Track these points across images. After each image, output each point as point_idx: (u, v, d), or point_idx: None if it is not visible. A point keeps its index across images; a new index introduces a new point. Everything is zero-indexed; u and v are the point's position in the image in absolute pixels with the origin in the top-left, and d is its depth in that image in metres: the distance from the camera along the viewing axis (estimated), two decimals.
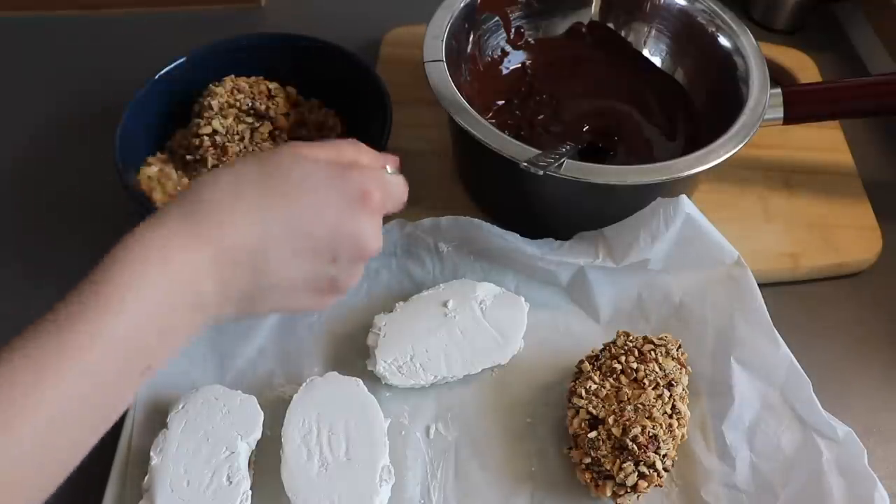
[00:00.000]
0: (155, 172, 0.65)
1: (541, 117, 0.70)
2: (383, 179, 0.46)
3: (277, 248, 0.42)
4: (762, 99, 0.60)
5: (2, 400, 0.34)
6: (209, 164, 0.64)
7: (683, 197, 0.57)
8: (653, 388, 0.51)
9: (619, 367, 0.53)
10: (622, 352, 0.54)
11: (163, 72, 0.67)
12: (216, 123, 0.64)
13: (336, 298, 0.47)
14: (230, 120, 0.65)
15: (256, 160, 0.44)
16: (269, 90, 0.68)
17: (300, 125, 0.69)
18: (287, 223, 0.42)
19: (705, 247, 0.59)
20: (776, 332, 0.56)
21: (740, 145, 0.57)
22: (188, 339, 0.41)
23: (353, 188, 0.43)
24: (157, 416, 0.53)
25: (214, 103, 0.65)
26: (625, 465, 0.48)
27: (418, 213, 0.61)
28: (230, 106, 0.65)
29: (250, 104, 0.66)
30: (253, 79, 0.68)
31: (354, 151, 0.47)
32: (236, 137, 0.64)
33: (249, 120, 0.65)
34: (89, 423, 0.38)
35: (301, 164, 0.43)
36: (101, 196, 0.68)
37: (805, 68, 0.80)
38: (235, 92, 0.66)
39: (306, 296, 0.45)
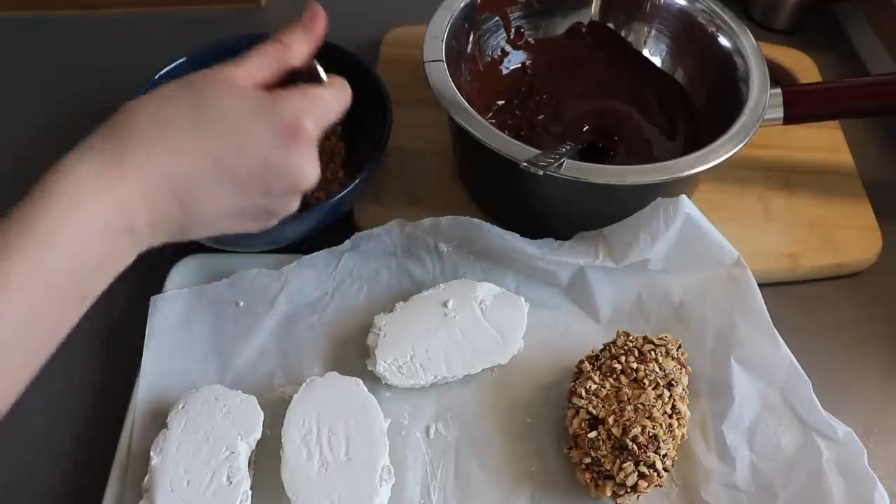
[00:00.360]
0: None
1: (541, 117, 0.70)
2: (315, 102, 0.44)
3: (205, 182, 0.42)
4: (762, 99, 0.60)
5: None
6: None
7: (683, 197, 0.57)
8: (653, 388, 0.51)
9: (619, 367, 0.53)
10: (622, 352, 0.54)
11: (163, 72, 0.67)
12: None
13: (271, 223, 0.47)
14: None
15: (186, 87, 0.43)
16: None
17: None
18: (214, 158, 0.42)
19: (705, 247, 0.59)
20: (776, 332, 0.56)
21: (740, 145, 0.57)
22: (123, 267, 0.42)
23: (281, 121, 0.42)
24: (157, 416, 0.53)
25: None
26: (625, 465, 0.48)
27: (418, 213, 0.61)
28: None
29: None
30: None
31: (282, 54, 0.46)
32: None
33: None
34: (31, 350, 0.39)
35: (230, 96, 0.42)
36: None
37: (805, 68, 0.80)
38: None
39: (238, 222, 0.46)
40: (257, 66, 0.44)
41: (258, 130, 0.42)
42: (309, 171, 0.44)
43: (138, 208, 0.40)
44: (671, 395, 0.51)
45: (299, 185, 0.45)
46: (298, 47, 0.46)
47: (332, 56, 0.70)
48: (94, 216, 0.39)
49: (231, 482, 0.49)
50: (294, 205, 0.47)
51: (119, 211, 0.40)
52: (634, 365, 0.53)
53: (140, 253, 0.43)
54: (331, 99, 0.46)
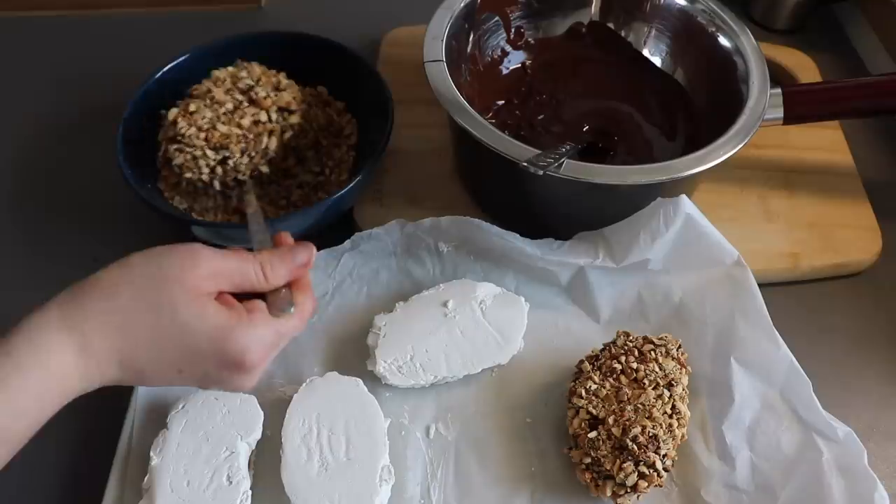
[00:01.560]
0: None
1: (541, 117, 0.70)
2: (268, 342, 0.45)
3: (152, 368, 0.44)
4: (762, 99, 0.60)
5: None
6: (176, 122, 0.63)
7: (683, 197, 0.57)
8: (653, 388, 0.51)
9: (619, 367, 0.53)
10: (622, 352, 0.54)
11: (163, 71, 0.67)
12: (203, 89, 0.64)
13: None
14: (220, 91, 0.63)
15: (150, 286, 0.43)
16: (279, 83, 0.66)
17: (325, 125, 0.68)
18: (168, 361, 0.44)
19: (705, 247, 0.59)
20: (776, 332, 0.56)
21: (740, 145, 0.57)
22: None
23: (230, 356, 0.44)
24: (157, 416, 0.53)
25: (219, 73, 0.64)
26: (625, 465, 0.48)
27: (418, 213, 0.61)
28: (233, 81, 0.64)
29: (250, 85, 0.63)
30: (273, 71, 0.67)
31: (258, 282, 0.46)
32: (213, 104, 0.62)
33: (239, 98, 0.63)
34: None
35: (190, 312, 0.43)
36: (101, 196, 0.69)
37: (805, 68, 0.80)
38: (245, 72, 0.65)
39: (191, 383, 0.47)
40: (227, 281, 0.45)
41: (209, 356, 0.44)
42: (245, 386, 0.46)
43: (96, 377, 0.43)
44: (671, 395, 0.51)
45: (236, 390, 0.49)
46: (276, 279, 0.47)
47: (335, 56, 0.70)
48: (34, 378, 0.41)
49: (231, 482, 0.49)
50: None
51: (75, 382, 0.42)
52: (634, 365, 0.53)
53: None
54: (286, 334, 0.47)
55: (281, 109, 0.64)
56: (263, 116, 0.63)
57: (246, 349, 0.44)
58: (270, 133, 0.62)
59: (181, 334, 0.43)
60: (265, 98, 0.63)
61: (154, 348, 0.43)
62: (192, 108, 0.62)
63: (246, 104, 0.63)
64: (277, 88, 0.65)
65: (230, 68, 0.65)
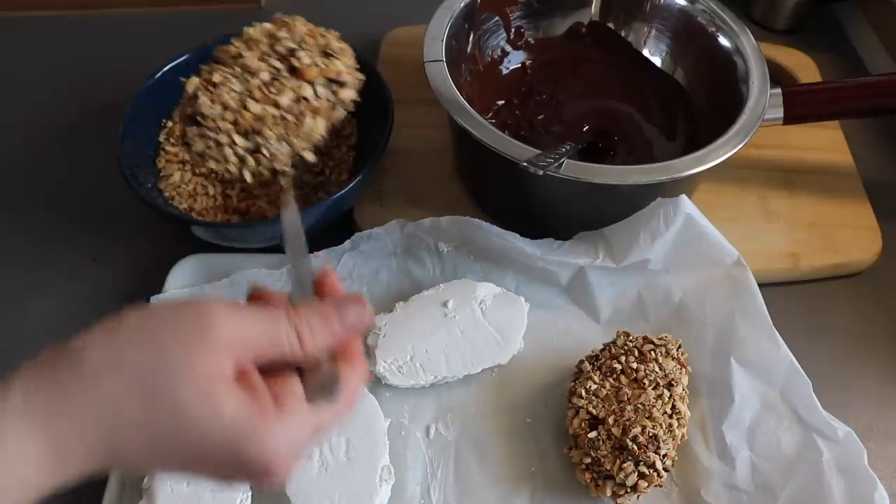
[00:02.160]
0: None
1: (541, 117, 0.70)
2: (302, 436, 0.35)
3: (150, 466, 0.37)
4: (762, 99, 0.60)
5: None
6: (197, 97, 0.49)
7: (683, 197, 0.57)
8: (653, 388, 0.51)
9: (619, 367, 0.53)
10: (622, 352, 0.54)
11: (163, 71, 0.67)
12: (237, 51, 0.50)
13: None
14: (253, 56, 0.49)
15: (147, 375, 0.32)
16: (328, 45, 0.51)
17: None
18: (160, 460, 0.34)
19: (705, 247, 0.59)
20: (776, 332, 0.56)
21: (740, 145, 0.57)
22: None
23: (251, 465, 0.34)
24: None
25: (252, 32, 0.51)
26: (625, 465, 0.48)
27: (418, 213, 0.61)
28: (269, 43, 0.50)
29: (291, 49, 0.49)
30: (322, 29, 0.52)
31: (292, 354, 0.35)
32: (244, 73, 0.49)
33: (277, 65, 0.49)
34: None
35: (199, 409, 0.32)
36: (101, 196, 0.69)
37: (805, 68, 0.80)
38: (285, 31, 0.51)
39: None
40: (250, 352, 0.34)
41: (221, 460, 0.34)
42: (273, 488, 0.40)
43: (67, 476, 0.33)
44: (671, 395, 0.51)
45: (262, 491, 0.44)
46: (315, 346, 0.35)
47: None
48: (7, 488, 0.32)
49: None
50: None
51: (29, 486, 0.32)
52: (634, 365, 0.53)
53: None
54: (326, 426, 0.36)
55: (330, 81, 0.50)
56: (308, 91, 0.49)
57: (272, 454, 0.33)
58: (316, 113, 0.49)
59: (186, 437, 0.33)
60: (310, 67, 0.49)
61: (152, 450, 0.33)
62: (216, 78, 0.48)
63: (285, 74, 0.49)
64: (326, 53, 0.51)
65: (266, 24, 0.52)
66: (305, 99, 0.49)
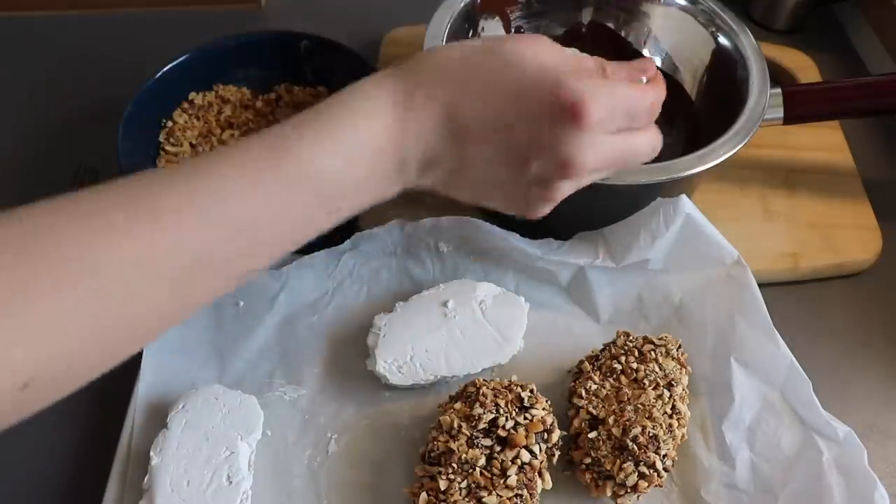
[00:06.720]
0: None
1: None
2: (613, 95, 0.41)
3: (478, 131, 0.41)
4: (762, 99, 0.60)
5: (200, 194, 0.36)
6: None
7: (683, 197, 0.57)
8: (653, 389, 0.51)
9: (619, 367, 0.53)
10: (622, 352, 0.54)
11: (163, 71, 0.67)
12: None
13: (537, 211, 0.45)
14: (461, 444, 0.48)
15: (488, 48, 0.42)
16: (521, 398, 0.50)
17: None
18: (493, 117, 0.41)
19: (705, 247, 0.59)
20: (776, 332, 0.56)
21: (740, 145, 0.57)
22: (383, 197, 0.43)
23: (564, 98, 0.39)
24: (157, 416, 0.53)
25: (446, 417, 0.50)
26: (625, 465, 0.48)
27: (418, 213, 0.61)
28: (464, 412, 0.50)
29: (493, 418, 0.49)
30: (507, 389, 0.51)
31: (595, 68, 0.43)
32: (461, 466, 0.47)
33: (484, 441, 0.48)
34: (276, 239, 0.40)
35: (524, 51, 0.41)
36: None
37: (805, 68, 0.80)
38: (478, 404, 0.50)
39: (502, 197, 0.45)
40: (563, 64, 0.42)
41: (539, 95, 0.40)
42: (580, 161, 0.41)
43: (414, 144, 0.41)
44: (671, 396, 0.51)
45: (565, 171, 0.42)
46: (616, 77, 0.44)
47: (335, 56, 0.70)
48: (371, 138, 0.40)
49: (231, 482, 0.49)
50: (560, 193, 0.44)
51: (395, 142, 0.41)
52: (634, 365, 0.53)
53: (406, 189, 0.43)
54: (635, 104, 0.42)
55: (541, 433, 0.49)
56: (525, 455, 0.48)
57: (584, 89, 0.39)
58: (540, 475, 0.49)
59: (511, 69, 0.40)
60: (515, 429, 0.48)
61: (481, 96, 0.40)
62: (442, 485, 0.47)
63: (497, 448, 0.48)
64: (522, 405, 0.50)
65: (457, 405, 0.50)
66: (525, 464, 0.48)
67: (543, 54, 0.41)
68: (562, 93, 0.39)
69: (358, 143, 0.40)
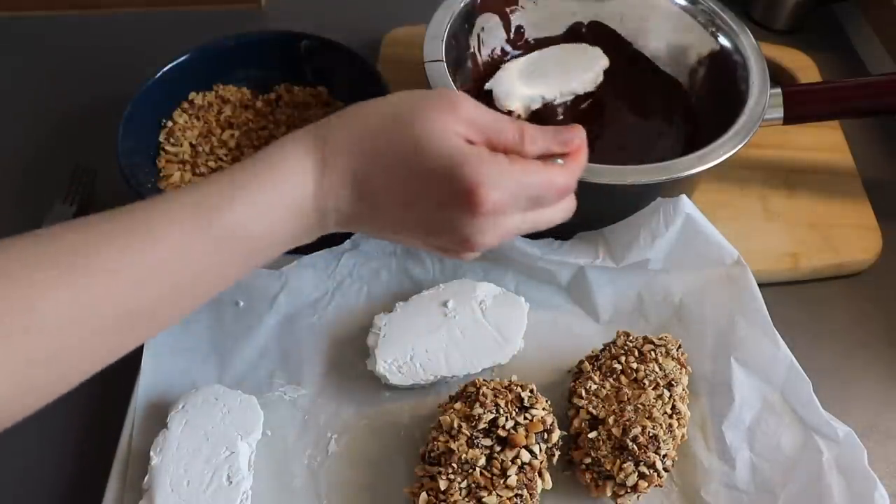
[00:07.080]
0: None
1: (540, 117, 0.70)
2: (511, 180, 0.41)
3: (384, 199, 0.43)
4: (762, 99, 0.60)
5: (136, 251, 0.39)
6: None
7: (683, 197, 0.57)
8: (653, 389, 0.51)
9: (619, 367, 0.53)
10: (622, 352, 0.54)
11: (163, 71, 0.67)
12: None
13: (459, 257, 0.46)
14: (461, 444, 0.49)
15: (405, 117, 0.42)
16: (521, 398, 0.51)
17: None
18: (390, 186, 0.43)
19: (705, 247, 0.59)
20: (776, 332, 0.56)
21: (740, 145, 0.57)
22: (306, 241, 0.45)
23: (462, 184, 0.41)
24: (157, 416, 0.53)
25: (445, 417, 0.50)
26: (625, 465, 0.48)
27: None
28: (461, 417, 0.50)
29: (493, 418, 0.49)
30: (507, 389, 0.52)
31: (512, 138, 0.43)
32: (461, 466, 0.48)
33: (484, 441, 0.49)
34: (197, 298, 0.43)
35: (433, 134, 0.41)
36: (102, 196, 0.68)
37: (805, 68, 0.80)
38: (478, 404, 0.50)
39: (422, 246, 0.47)
40: (480, 133, 0.43)
41: (439, 178, 0.41)
42: (479, 241, 0.43)
43: (333, 203, 0.43)
44: (671, 396, 0.51)
45: (466, 247, 0.44)
46: (533, 146, 0.44)
47: (335, 56, 0.70)
48: (294, 199, 0.42)
49: (231, 482, 0.49)
50: (472, 256, 0.46)
51: (316, 200, 0.43)
52: (634, 365, 0.53)
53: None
54: (535, 186, 0.43)
55: (541, 433, 0.49)
56: (525, 455, 0.48)
57: (481, 179, 0.40)
58: (540, 475, 0.49)
59: (415, 152, 0.41)
60: (515, 429, 0.49)
61: (387, 171, 0.42)
62: (442, 485, 0.47)
63: (497, 448, 0.49)
64: (522, 405, 0.50)
65: (458, 405, 0.51)
66: (526, 464, 0.48)
67: (453, 138, 0.42)
68: (461, 182, 0.41)
69: (283, 205, 0.42)
